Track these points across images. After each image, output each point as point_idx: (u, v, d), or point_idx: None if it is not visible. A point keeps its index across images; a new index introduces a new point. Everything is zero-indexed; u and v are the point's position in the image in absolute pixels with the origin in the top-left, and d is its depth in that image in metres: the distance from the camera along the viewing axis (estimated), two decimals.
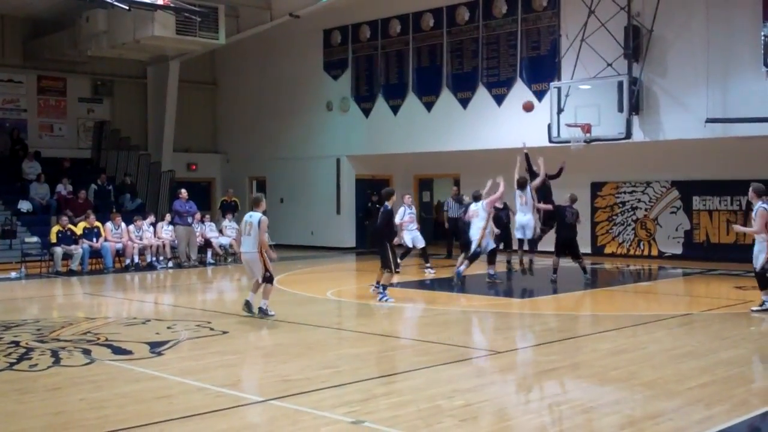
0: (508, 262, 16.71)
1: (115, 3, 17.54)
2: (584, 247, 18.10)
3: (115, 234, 18.36)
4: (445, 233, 21.21)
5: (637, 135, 17.34)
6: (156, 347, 8.93)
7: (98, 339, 9.44)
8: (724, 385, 7.17)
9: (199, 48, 22.32)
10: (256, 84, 25.71)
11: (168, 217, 19.36)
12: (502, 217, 15.76)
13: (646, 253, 19.86)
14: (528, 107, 16.98)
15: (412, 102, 21.99)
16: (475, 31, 20.69)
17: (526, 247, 15.72)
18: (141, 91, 25.57)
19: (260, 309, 10.89)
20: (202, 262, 19.41)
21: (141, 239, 18.57)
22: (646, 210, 19.90)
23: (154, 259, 18.64)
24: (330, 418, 6.11)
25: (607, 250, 20.42)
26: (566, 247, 14.90)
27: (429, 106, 21.60)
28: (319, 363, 8.16)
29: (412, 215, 16.72)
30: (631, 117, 17.04)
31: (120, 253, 18.43)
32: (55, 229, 17.73)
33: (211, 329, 10.15)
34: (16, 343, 9.17)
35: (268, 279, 10.97)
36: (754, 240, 11.29)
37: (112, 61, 23.47)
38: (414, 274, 16.76)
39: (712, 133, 16.66)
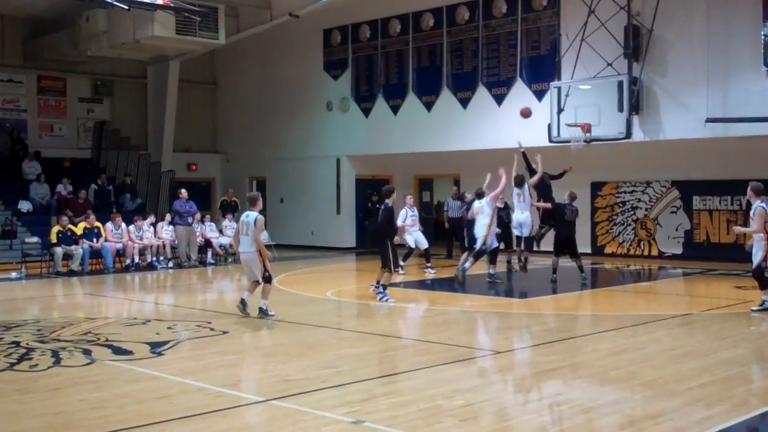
0: (508, 262, 16.73)
1: (115, 3, 17.54)
2: (584, 247, 18.14)
3: (115, 234, 18.36)
4: (445, 233, 21.20)
5: (637, 135, 17.35)
6: (156, 347, 8.93)
7: (98, 339, 9.44)
8: (724, 385, 7.17)
9: (199, 48, 22.33)
10: (256, 84, 25.70)
11: (168, 217, 19.36)
12: (502, 217, 15.76)
13: (646, 253, 19.86)
14: (526, 113, 16.75)
15: (412, 102, 21.98)
16: (475, 30, 20.70)
17: (523, 246, 15.72)
18: (141, 91, 25.58)
19: (260, 309, 10.89)
20: (203, 262, 19.42)
21: (141, 239, 18.57)
22: (646, 210, 19.90)
23: (154, 259, 18.65)
24: (330, 418, 6.11)
25: (607, 250, 20.41)
26: (565, 245, 14.89)
27: (429, 106, 21.59)
28: (319, 363, 8.16)
29: (414, 218, 16.70)
30: (631, 117, 17.04)
31: (120, 254, 18.44)
32: (55, 229, 17.73)
33: (212, 329, 10.15)
34: (17, 344, 9.18)
35: (267, 279, 10.98)
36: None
37: (112, 61, 23.48)
38: (414, 274, 16.76)
39: (712, 133, 16.66)
